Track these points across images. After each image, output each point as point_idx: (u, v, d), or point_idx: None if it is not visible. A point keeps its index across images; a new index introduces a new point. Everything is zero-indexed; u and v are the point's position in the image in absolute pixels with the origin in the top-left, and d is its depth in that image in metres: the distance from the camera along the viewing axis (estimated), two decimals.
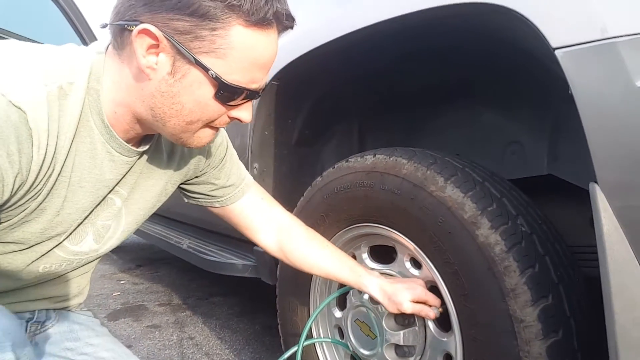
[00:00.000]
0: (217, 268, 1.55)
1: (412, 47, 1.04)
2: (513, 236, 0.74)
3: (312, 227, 1.07)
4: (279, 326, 1.26)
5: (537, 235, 0.76)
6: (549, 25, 0.59)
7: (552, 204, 1.00)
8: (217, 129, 0.70)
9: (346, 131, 1.46)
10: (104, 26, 0.64)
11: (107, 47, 0.66)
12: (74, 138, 0.63)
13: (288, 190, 1.36)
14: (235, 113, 0.68)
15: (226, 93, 0.63)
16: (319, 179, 1.11)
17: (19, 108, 0.54)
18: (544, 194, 1.02)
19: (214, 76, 0.60)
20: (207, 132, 0.69)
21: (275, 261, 1.26)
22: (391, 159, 0.93)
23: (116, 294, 2.33)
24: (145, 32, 0.58)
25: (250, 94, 0.65)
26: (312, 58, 1.13)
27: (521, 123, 1.09)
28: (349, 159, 1.04)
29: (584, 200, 1.00)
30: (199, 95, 0.62)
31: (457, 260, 0.79)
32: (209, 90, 0.62)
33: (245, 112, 0.68)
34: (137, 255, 3.31)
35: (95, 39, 2.62)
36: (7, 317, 0.56)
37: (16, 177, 0.56)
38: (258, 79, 0.65)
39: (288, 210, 1.04)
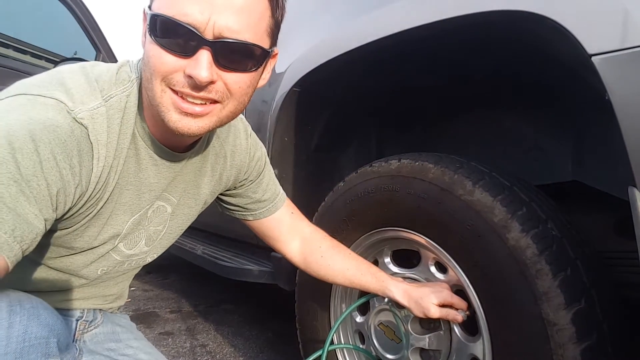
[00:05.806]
0: (233, 274, 1.55)
1: (435, 55, 1.06)
2: (544, 240, 0.75)
3: (334, 232, 1.08)
4: (298, 332, 1.26)
5: (567, 240, 0.77)
6: (585, 32, 0.60)
7: (576, 210, 1.00)
8: (180, 96, 0.60)
9: (364, 138, 1.47)
10: None
11: None
12: (127, 147, 0.67)
13: (307, 196, 1.36)
14: (188, 70, 0.58)
15: (155, 28, 0.57)
16: (341, 184, 1.12)
17: (81, 124, 0.59)
18: (568, 200, 1.02)
19: (145, 11, 0.59)
20: (173, 100, 0.60)
21: (293, 267, 1.26)
22: (417, 163, 0.94)
23: (127, 301, 2.32)
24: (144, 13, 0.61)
25: (187, 34, 0.56)
26: (333, 66, 1.14)
27: (544, 129, 1.10)
28: (373, 164, 1.04)
29: (608, 206, 1.01)
30: (146, 41, 0.60)
31: (486, 264, 0.79)
32: (146, 30, 0.59)
33: (196, 68, 0.57)
34: None
35: (109, 46, 2.66)
36: (54, 315, 0.58)
37: (77, 188, 0.59)
38: (189, 11, 0.55)
39: (308, 215, 1.06)
